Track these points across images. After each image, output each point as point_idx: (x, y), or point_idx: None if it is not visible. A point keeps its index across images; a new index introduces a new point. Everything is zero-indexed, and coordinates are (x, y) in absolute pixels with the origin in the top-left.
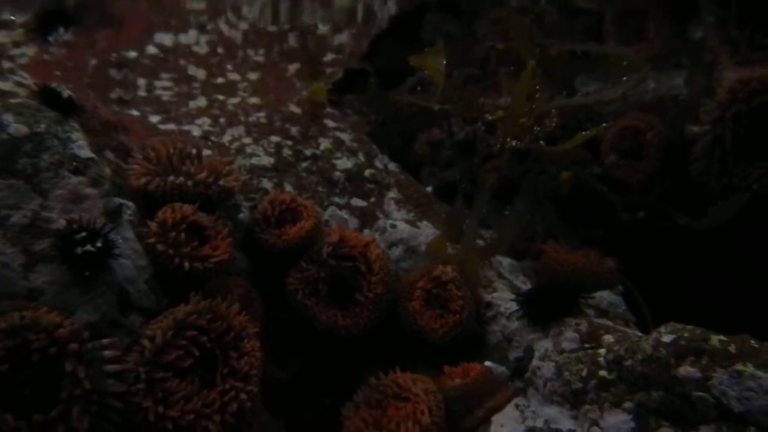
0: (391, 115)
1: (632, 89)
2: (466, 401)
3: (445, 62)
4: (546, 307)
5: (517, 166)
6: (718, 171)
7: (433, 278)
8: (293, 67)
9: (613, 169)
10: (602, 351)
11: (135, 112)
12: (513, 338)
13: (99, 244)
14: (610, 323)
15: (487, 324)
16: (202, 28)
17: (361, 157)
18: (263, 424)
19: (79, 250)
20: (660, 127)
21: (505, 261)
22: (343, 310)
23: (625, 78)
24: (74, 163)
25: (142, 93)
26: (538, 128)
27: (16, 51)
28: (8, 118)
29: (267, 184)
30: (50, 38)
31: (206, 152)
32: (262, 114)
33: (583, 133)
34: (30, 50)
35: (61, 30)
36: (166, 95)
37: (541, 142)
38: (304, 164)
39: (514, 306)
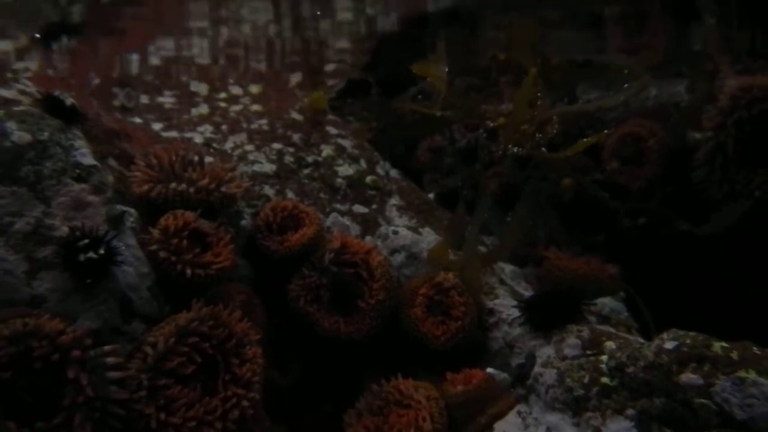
0: (392, 121)
1: (634, 96)
2: (468, 408)
3: (447, 70)
4: (548, 313)
5: (518, 172)
6: (719, 178)
7: (435, 285)
8: (295, 79)
9: (614, 176)
10: (604, 358)
11: (138, 120)
12: (515, 345)
13: (101, 252)
14: (612, 330)
15: (489, 330)
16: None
17: (363, 164)
18: (265, 431)
19: (81, 258)
20: (661, 134)
21: (507, 267)
22: (345, 317)
23: (626, 85)
24: (77, 171)
25: (144, 101)
26: (540, 135)
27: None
28: (12, 125)
29: (269, 190)
30: (54, 47)
31: (208, 159)
32: (264, 121)
33: (585, 139)
34: (34, 63)
35: (65, 41)
36: (168, 103)
37: (543, 148)
38: (306, 171)
39: (516, 312)
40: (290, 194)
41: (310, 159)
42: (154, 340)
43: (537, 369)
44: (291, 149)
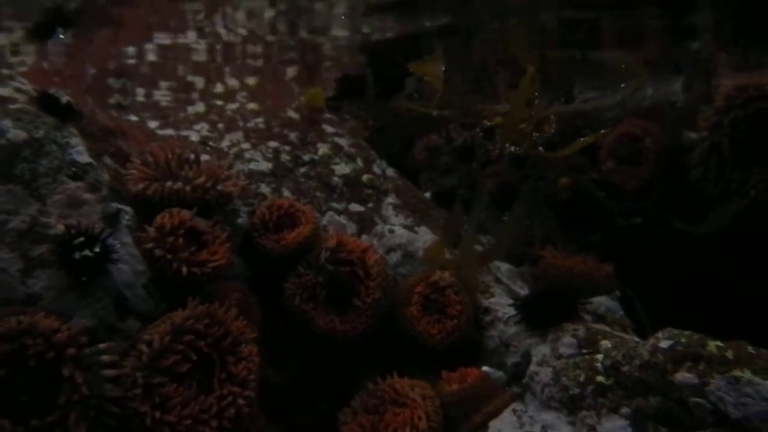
0: (389, 120)
1: (630, 96)
2: (463, 406)
3: (443, 69)
4: (544, 312)
5: (515, 171)
6: (715, 177)
7: (431, 283)
8: (291, 72)
9: (611, 175)
10: (600, 356)
11: (133, 117)
12: (511, 343)
13: (97, 249)
14: (607, 329)
15: (485, 329)
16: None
17: (360, 163)
18: (260, 429)
19: (77, 255)
20: (658, 134)
21: (503, 266)
22: (340, 315)
23: (623, 85)
24: (73, 169)
25: (140, 98)
26: (537, 134)
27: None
28: (7, 123)
29: (265, 189)
30: (49, 40)
31: (204, 157)
32: (260, 119)
33: (582, 139)
34: (29, 56)
35: (60, 33)
36: (164, 100)
37: (540, 147)
38: (303, 169)
39: (512, 311)
40: (286, 193)
41: (306, 157)
42: (149, 338)
43: (533, 367)
44: (287, 147)
